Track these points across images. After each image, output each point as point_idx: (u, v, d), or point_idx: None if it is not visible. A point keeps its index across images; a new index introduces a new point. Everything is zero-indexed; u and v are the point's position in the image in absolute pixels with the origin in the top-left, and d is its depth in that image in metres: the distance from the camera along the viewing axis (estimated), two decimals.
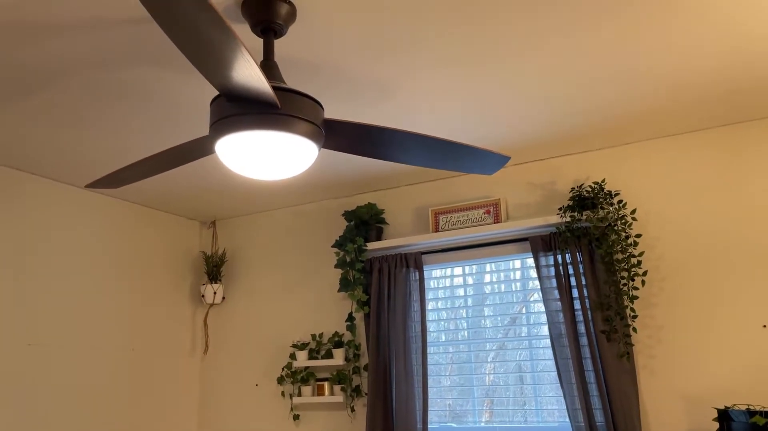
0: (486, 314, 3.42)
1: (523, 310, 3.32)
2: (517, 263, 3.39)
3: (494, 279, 3.48)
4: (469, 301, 3.50)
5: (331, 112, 2.69)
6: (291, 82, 2.41)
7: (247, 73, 1.55)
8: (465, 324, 3.49)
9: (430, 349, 3.52)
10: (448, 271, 3.58)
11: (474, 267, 3.51)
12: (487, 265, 3.49)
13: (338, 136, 1.95)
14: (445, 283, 3.57)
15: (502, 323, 3.37)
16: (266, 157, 1.78)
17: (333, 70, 2.35)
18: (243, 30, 2.02)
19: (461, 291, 3.55)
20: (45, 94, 2.45)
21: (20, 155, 3.07)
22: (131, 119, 2.71)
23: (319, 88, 2.48)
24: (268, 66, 1.87)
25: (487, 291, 3.46)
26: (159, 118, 2.71)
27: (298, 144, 1.77)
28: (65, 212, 3.50)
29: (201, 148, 1.99)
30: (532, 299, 3.33)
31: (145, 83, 2.40)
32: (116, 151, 3.05)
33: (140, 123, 2.75)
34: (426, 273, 3.62)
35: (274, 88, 1.72)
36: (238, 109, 1.70)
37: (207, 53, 1.49)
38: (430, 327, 3.56)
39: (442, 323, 3.55)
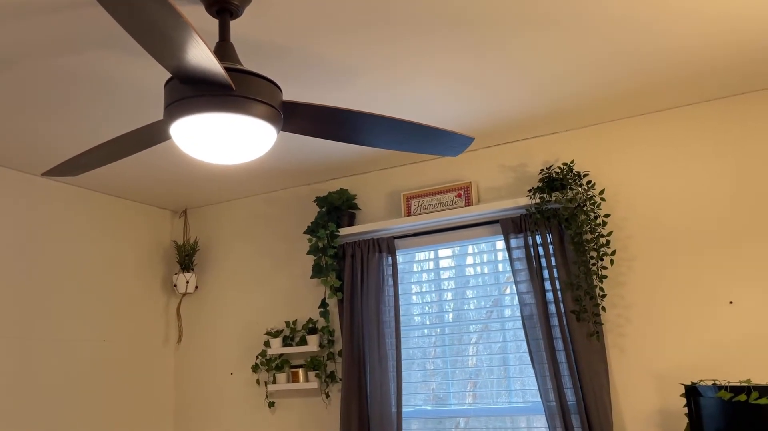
0: (468, 296, 3.42)
1: (507, 291, 3.33)
2: (501, 244, 3.38)
3: (477, 261, 3.47)
4: (450, 284, 3.48)
5: (292, 95, 2.65)
6: (249, 64, 2.37)
7: (197, 54, 1.52)
8: (441, 307, 3.49)
9: (414, 333, 3.52)
10: (431, 254, 3.57)
11: (457, 249, 3.50)
12: (470, 247, 3.48)
13: (298, 118, 1.92)
14: (429, 266, 3.56)
15: (486, 305, 3.37)
16: (222, 141, 1.75)
17: (292, 52, 2.31)
18: (198, 11, 1.97)
19: (439, 275, 3.55)
20: None
21: None
22: (87, 104, 2.65)
23: (279, 70, 2.44)
24: (224, 47, 1.83)
25: (470, 274, 3.45)
26: (116, 103, 2.65)
27: (254, 126, 1.74)
28: (28, 202, 3.43)
29: (158, 133, 1.95)
30: (510, 281, 3.34)
31: (100, 67, 2.34)
32: (73, 137, 2.98)
33: (97, 108, 2.69)
34: (407, 257, 3.61)
35: (227, 69, 1.68)
36: (191, 92, 1.66)
37: (154, 34, 1.45)
38: (413, 310, 3.55)
39: (426, 307, 3.54)
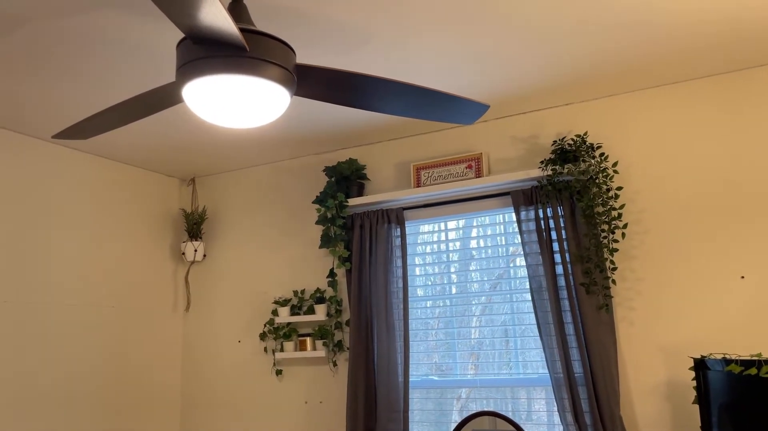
0: (473, 269, 3.41)
1: (512, 264, 3.32)
2: (506, 217, 3.36)
3: (481, 233, 3.45)
4: (458, 256, 3.47)
5: (303, 59, 2.61)
6: (263, 27, 2.33)
7: (212, 12, 1.48)
8: (448, 279, 3.49)
9: (418, 304, 3.52)
10: (435, 227, 3.56)
11: (462, 221, 3.48)
12: (475, 220, 3.46)
13: (312, 82, 1.89)
14: (433, 238, 3.55)
15: (490, 278, 3.36)
16: (236, 103, 1.73)
17: (304, 14, 2.27)
18: None
19: (447, 247, 3.53)
20: (3, 42, 2.35)
21: None
22: (99, 66, 2.62)
23: (292, 34, 2.40)
24: (237, 8, 1.80)
25: (473, 246, 3.44)
26: (129, 65, 2.62)
27: (268, 89, 1.71)
28: (38, 168, 3.41)
29: (169, 96, 1.92)
30: (517, 253, 3.32)
31: (112, 28, 2.31)
32: (85, 100, 2.95)
33: (109, 70, 2.66)
34: (412, 229, 3.60)
35: (241, 30, 1.65)
36: (204, 53, 1.63)
37: None
38: (417, 282, 3.55)
39: (430, 278, 3.53)
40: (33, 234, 3.35)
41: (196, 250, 4.03)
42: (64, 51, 2.46)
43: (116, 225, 3.82)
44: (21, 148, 3.34)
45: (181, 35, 2.35)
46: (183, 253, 4.04)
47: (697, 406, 2.79)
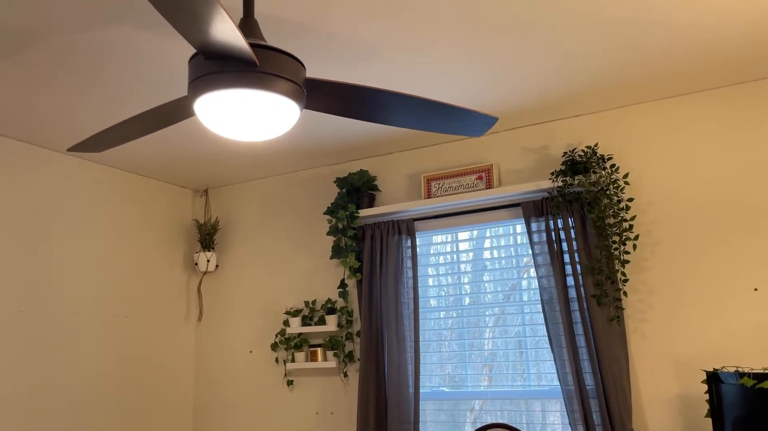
0: (485, 280, 3.41)
1: (525, 275, 3.31)
2: (520, 228, 3.36)
3: (494, 244, 3.44)
4: (468, 267, 3.47)
5: (313, 74, 2.64)
6: (273, 42, 2.36)
7: (223, 29, 1.51)
8: (459, 290, 3.49)
9: (431, 315, 3.52)
10: (447, 237, 3.56)
11: (475, 232, 3.48)
12: (488, 231, 3.46)
13: (321, 96, 1.92)
14: (446, 249, 3.56)
15: (503, 289, 3.35)
16: (246, 117, 1.75)
17: (317, 30, 2.30)
18: None
19: (459, 258, 3.54)
20: (19, 56, 2.41)
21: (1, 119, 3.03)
22: (113, 81, 2.67)
23: (302, 48, 2.43)
24: (248, 23, 1.82)
25: (486, 257, 3.44)
26: (143, 79, 2.66)
27: (278, 103, 1.73)
28: (52, 179, 3.47)
29: (182, 109, 1.95)
30: (530, 264, 3.31)
31: (125, 43, 2.35)
32: (99, 114, 3.00)
33: (123, 84, 2.71)
34: (424, 240, 3.61)
35: (251, 45, 1.68)
36: (215, 67, 1.66)
37: (180, 8, 1.45)
38: (430, 293, 3.55)
39: (443, 289, 3.53)
40: (48, 244, 3.40)
41: (208, 261, 4.06)
42: (79, 65, 2.51)
43: (130, 236, 3.87)
44: (37, 160, 3.39)
45: (193, 50, 2.39)
46: (196, 264, 4.07)
47: (709, 420, 2.76)
